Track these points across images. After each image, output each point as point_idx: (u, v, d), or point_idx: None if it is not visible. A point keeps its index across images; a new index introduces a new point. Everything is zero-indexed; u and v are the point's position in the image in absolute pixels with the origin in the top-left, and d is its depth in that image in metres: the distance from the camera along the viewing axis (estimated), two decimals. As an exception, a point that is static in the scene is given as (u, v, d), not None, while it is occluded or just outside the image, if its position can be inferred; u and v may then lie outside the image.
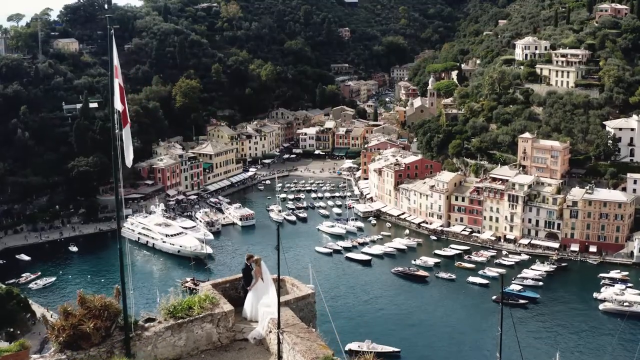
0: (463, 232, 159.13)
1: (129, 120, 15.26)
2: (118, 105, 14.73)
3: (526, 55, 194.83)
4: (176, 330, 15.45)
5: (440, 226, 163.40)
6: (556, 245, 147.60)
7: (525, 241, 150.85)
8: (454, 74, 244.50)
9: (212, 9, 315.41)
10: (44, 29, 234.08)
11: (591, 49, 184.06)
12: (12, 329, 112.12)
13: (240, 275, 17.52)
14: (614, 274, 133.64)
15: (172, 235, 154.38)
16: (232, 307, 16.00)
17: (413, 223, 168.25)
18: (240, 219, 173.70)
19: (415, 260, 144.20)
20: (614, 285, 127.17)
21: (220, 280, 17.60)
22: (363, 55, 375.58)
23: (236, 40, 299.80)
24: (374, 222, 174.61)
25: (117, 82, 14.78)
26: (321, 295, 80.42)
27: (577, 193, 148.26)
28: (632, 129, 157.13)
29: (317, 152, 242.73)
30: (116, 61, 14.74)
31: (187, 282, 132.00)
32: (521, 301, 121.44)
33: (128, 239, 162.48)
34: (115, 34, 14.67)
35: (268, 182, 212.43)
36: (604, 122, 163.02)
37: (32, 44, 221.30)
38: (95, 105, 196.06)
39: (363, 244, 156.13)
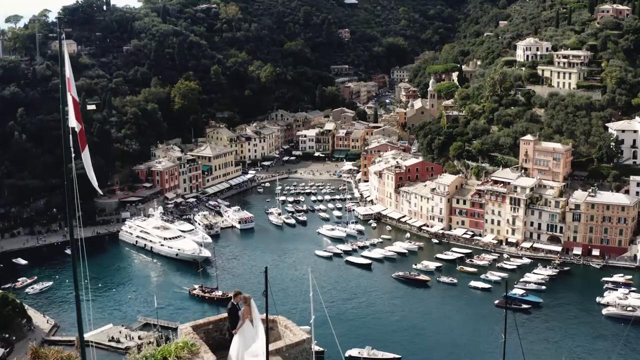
0: (464, 236, 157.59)
1: (86, 142, 13.24)
2: (73, 123, 12.71)
3: (527, 56, 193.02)
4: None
5: (442, 229, 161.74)
6: (558, 248, 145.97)
7: (527, 244, 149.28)
8: (455, 75, 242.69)
9: (211, 10, 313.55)
10: (42, 30, 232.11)
11: (593, 50, 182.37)
12: (7, 335, 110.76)
13: (226, 315, 15.43)
14: (617, 277, 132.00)
15: (170, 239, 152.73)
16: (214, 357, 14.08)
17: (414, 226, 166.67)
18: (240, 222, 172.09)
19: (416, 264, 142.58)
20: (617, 290, 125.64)
21: (202, 321, 15.59)
22: (363, 56, 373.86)
23: (235, 42, 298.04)
24: (374, 225, 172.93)
25: (70, 96, 12.73)
26: (321, 300, 78.57)
27: (579, 196, 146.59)
28: (635, 131, 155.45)
29: (317, 154, 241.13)
30: (68, 72, 12.64)
31: (195, 289, 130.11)
32: (524, 306, 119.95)
33: (124, 242, 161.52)
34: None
35: (267, 184, 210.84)
36: (606, 124, 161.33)
37: (30, 45, 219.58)
38: (93, 107, 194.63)
39: (363, 248, 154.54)
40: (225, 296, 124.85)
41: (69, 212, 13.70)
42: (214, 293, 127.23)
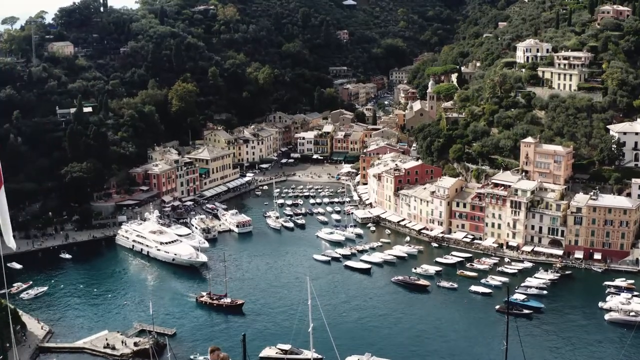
0: (465, 239, 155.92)
1: (1, 180, 10.57)
2: None
3: (527, 57, 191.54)
4: None
5: (441, 233, 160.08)
6: (560, 252, 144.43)
7: (528, 248, 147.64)
8: (454, 76, 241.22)
9: (209, 11, 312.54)
10: (39, 32, 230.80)
11: (593, 51, 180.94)
12: (1, 342, 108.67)
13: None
14: (619, 282, 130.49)
15: (166, 243, 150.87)
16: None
17: (413, 230, 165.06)
18: (237, 226, 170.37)
19: (415, 268, 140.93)
20: (619, 294, 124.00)
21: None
22: (362, 57, 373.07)
23: (233, 43, 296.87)
24: (372, 228, 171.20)
25: None
26: (319, 307, 76.98)
27: (581, 199, 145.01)
28: (637, 133, 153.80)
29: (315, 156, 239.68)
30: None
31: (203, 296, 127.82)
32: (525, 311, 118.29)
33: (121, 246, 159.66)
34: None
35: (265, 187, 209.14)
36: (607, 126, 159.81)
37: (26, 47, 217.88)
38: (89, 109, 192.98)
39: (362, 252, 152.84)
40: (234, 303, 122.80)
41: None
42: (222, 300, 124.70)
